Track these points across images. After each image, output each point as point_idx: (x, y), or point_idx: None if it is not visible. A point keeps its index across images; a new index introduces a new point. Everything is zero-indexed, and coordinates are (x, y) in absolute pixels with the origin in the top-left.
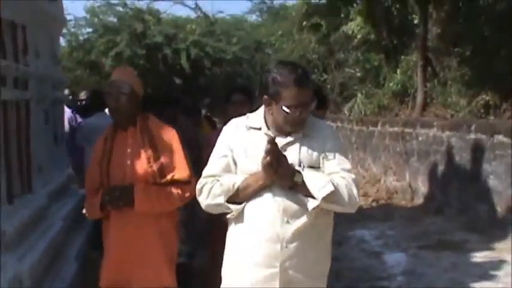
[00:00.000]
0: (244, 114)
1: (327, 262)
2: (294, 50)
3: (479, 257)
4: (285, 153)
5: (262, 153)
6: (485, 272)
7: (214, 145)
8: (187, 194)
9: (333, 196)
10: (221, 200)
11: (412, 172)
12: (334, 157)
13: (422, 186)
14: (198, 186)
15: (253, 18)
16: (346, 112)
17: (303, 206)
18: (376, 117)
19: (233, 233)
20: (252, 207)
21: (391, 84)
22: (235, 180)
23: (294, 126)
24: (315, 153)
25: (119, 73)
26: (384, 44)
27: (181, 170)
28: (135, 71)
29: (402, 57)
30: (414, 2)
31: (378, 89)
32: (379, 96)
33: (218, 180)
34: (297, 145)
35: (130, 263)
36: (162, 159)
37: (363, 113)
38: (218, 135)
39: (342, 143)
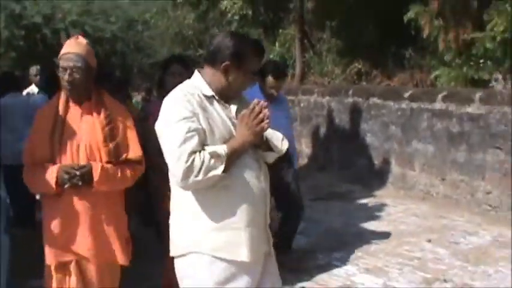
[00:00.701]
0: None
1: None
2: (169, 26)
3: (363, 203)
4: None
5: (227, 119)
6: (370, 214)
7: (156, 113)
8: (138, 173)
9: (285, 145)
10: (219, 171)
11: (295, 136)
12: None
13: (306, 148)
14: (184, 166)
15: None
16: None
17: (262, 160)
18: None
19: (211, 204)
20: (237, 171)
21: (271, 56)
22: (222, 148)
23: (243, 91)
24: None
25: (71, 45)
26: (261, 19)
27: (134, 150)
28: (86, 40)
29: (280, 31)
30: None
31: None
32: None
33: (209, 153)
34: (241, 109)
35: (83, 239)
36: (118, 139)
37: None
38: (156, 104)
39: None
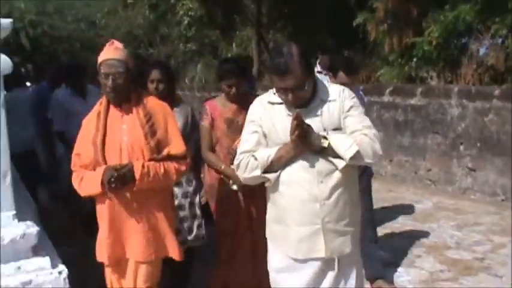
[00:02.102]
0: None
1: (358, 210)
2: (121, 26)
3: None
4: (308, 121)
5: (288, 125)
6: None
7: None
8: (183, 168)
9: (358, 154)
10: (258, 172)
11: None
12: (354, 116)
13: None
14: (235, 162)
15: None
16: (187, 81)
17: (333, 166)
18: (216, 84)
19: (272, 199)
20: (288, 174)
21: (229, 55)
22: (269, 153)
23: (294, 105)
24: (335, 116)
25: (109, 51)
26: (218, 22)
27: (176, 145)
28: (121, 44)
29: (237, 32)
30: None
31: (217, 60)
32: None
33: (253, 155)
34: (316, 112)
35: (135, 237)
36: (158, 135)
37: (203, 81)
38: None
39: (357, 101)
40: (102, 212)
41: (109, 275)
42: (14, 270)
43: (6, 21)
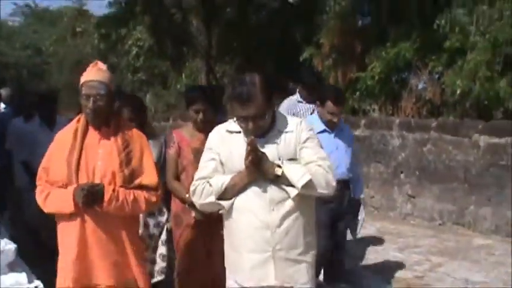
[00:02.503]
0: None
1: (312, 238)
2: (69, 54)
3: None
4: (264, 150)
5: (243, 153)
6: None
7: None
8: (154, 199)
9: (311, 183)
10: (212, 198)
11: None
12: (309, 147)
13: None
14: (191, 188)
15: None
16: None
17: (285, 194)
18: (165, 113)
19: (228, 226)
20: (241, 201)
21: (178, 86)
22: (223, 180)
23: (253, 133)
24: (291, 146)
25: (92, 73)
26: (168, 52)
27: (149, 176)
28: (105, 66)
29: (187, 63)
30: (199, 20)
31: (166, 90)
32: (167, 96)
33: (208, 182)
34: (273, 141)
35: (100, 264)
36: (133, 164)
37: (153, 110)
38: None
39: (314, 133)
40: (70, 233)
41: None
42: None
43: None
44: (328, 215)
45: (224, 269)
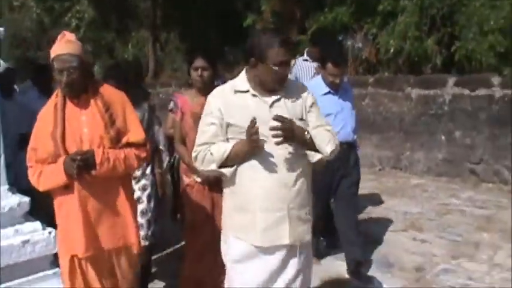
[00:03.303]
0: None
1: (311, 199)
2: (7, 28)
3: None
4: (274, 108)
5: (251, 113)
6: None
7: None
8: (144, 155)
9: (334, 151)
10: (214, 167)
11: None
12: (315, 112)
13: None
14: (193, 154)
15: None
16: None
17: (295, 156)
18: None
19: (233, 188)
20: (255, 161)
21: (126, 56)
22: (224, 149)
23: (280, 83)
24: (298, 108)
25: (62, 45)
26: (113, 24)
27: (135, 133)
28: (73, 35)
29: (133, 34)
30: None
31: (113, 60)
32: None
33: (210, 150)
34: (283, 102)
35: (103, 227)
36: (117, 124)
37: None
38: None
39: (316, 98)
40: (69, 204)
41: (76, 269)
42: (13, 232)
43: None
44: (333, 175)
45: None
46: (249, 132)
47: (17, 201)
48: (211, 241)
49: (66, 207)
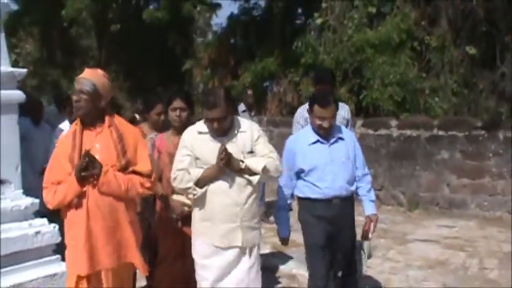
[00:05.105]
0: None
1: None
2: None
3: None
4: (227, 146)
5: (213, 149)
6: None
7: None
8: (148, 185)
9: (266, 169)
10: (190, 184)
11: None
12: (261, 143)
13: None
14: (172, 176)
15: None
16: None
17: (247, 180)
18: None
19: (200, 205)
20: (216, 185)
21: (69, 92)
22: (198, 171)
23: (216, 132)
24: (248, 143)
25: (86, 72)
26: (58, 62)
27: (143, 164)
28: (104, 73)
29: (78, 71)
30: (92, 35)
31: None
32: None
33: (187, 171)
34: (233, 139)
35: (108, 247)
36: (128, 155)
37: None
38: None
39: (261, 130)
40: (76, 223)
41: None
42: (27, 225)
43: None
44: (324, 233)
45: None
46: (219, 157)
47: (30, 201)
48: (182, 275)
49: (74, 228)
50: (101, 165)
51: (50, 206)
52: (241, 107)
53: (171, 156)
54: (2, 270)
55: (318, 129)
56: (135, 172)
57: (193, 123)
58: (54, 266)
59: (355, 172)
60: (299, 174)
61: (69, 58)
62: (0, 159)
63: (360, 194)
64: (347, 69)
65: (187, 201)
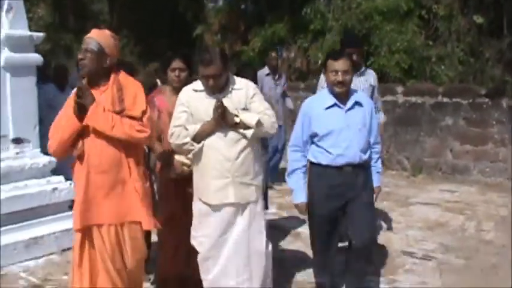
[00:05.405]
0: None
1: (260, 168)
2: None
3: None
4: (223, 102)
5: (208, 106)
6: None
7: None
8: (138, 127)
9: (260, 123)
10: (188, 139)
11: None
12: (256, 101)
13: None
14: (170, 132)
15: None
16: None
17: (241, 135)
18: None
19: (197, 161)
20: (209, 142)
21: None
22: (195, 127)
23: (212, 89)
24: (242, 100)
25: (92, 32)
26: (70, 26)
27: (134, 109)
28: (112, 33)
29: None
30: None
31: (70, 60)
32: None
33: (184, 127)
34: (228, 97)
35: (108, 203)
36: (126, 103)
37: None
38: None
39: (257, 89)
40: (78, 177)
41: (78, 242)
42: (46, 181)
43: None
44: (332, 206)
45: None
46: (215, 110)
47: (48, 159)
48: (186, 235)
49: (77, 182)
50: (93, 98)
51: (51, 150)
52: (265, 70)
53: (171, 116)
54: (22, 224)
55: (333, 86)
56: (127, 117)
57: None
58: (70, 221)
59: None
60: (313, 139)
61: (81, 23)
62: (19, 120)
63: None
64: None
65: (187, 161)
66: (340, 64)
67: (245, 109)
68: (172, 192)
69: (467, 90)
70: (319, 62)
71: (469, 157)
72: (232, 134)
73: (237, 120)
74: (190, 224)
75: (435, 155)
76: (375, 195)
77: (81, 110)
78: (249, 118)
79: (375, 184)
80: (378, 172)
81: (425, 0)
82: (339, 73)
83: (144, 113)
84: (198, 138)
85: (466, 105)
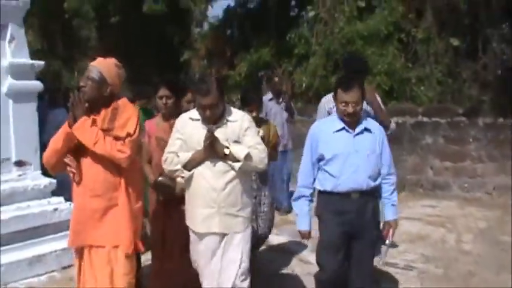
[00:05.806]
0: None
1: (249, 200)
2: None
3: None
4: (216, 133)
5: (202, 137)
6: None
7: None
8: (119, 147)
9: (249, 157)
10: (179, 166)
11: None
12: (249, 135)
13: None
14: (163, 158)
15: None
16: None
17: (229, 167)
18: None
19: (188, 190)
20: (198, 171)
21: (72, 83)
22: (187, 155)
23: (208, 120)
24: (236, 132)
25: (97, 61)
26: (59, 53)
27: (121, 131)
28: (116, 62)
29: (78, 63)
30: (93, 26)
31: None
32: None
33: (177, 154)
34: (222, 128)
35: (97, 225)
36: (116, 123)
37: None
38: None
39: (252, 122)
40: (76, 197)
41: (81, 261)
42: (47, 202)
43: None
44: (341, 231)
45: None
46: (206, 138)
47: (48, 181)
48: (175, 254)
49: (74, 202)
50: (84, 110)
51: (44, 160)
52: (268, 95)
53: (159, 140)
54: (25, 242)
55: (342, 115)
56: (114, 137)
57: (181, 109)
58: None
59: (381, 169)
60: (319, 163)
61: (70, 49)
62: (20, 143)
63: (381, 196)
64: (337, 60)
65: (169, 183)
66: (350, 96)
67: (237, 141)
68: (160, 215)
69: (445, 109)
70: (303, 85)
71: (449, 173)
72: (221, 165)
73: (226, 151)
74: (179, 243)
75: (416, 172)
76: (391, 230)
77: (73, 120)
78: (239, 151)
79: (391, 217)
80: (393, 205)
81: (404, 24)
82: (349, 104)
83: (128, 135)
84: (189, 166)
85: (444, 124)
